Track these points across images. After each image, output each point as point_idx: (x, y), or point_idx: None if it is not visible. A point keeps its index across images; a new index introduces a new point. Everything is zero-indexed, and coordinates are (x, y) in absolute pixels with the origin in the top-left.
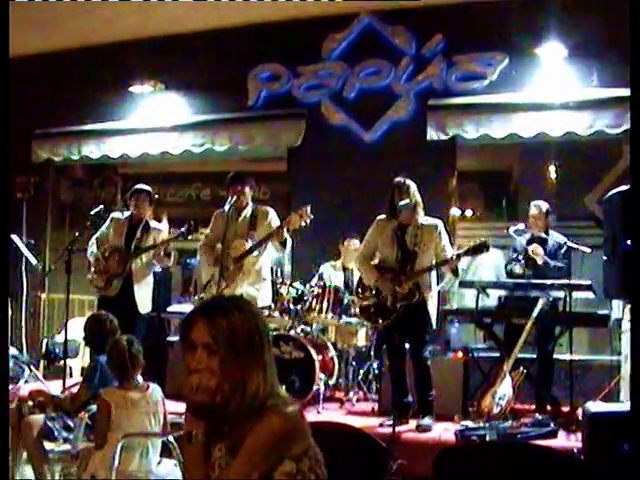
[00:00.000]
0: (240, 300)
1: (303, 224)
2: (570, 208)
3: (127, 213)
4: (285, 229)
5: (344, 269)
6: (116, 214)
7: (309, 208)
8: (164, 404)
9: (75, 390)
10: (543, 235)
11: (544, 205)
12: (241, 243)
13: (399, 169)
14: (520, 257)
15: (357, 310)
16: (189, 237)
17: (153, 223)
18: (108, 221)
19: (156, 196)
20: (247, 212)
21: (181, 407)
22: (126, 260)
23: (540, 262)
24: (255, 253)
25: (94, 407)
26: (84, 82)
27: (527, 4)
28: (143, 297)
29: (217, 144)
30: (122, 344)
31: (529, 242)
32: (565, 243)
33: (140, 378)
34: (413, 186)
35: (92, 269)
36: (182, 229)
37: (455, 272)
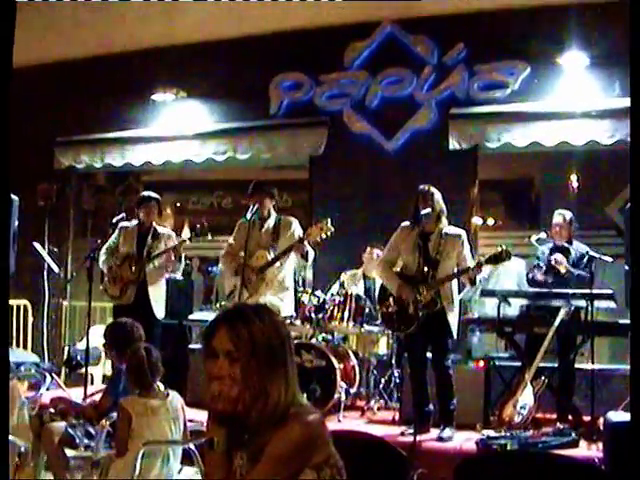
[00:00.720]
0: (262, 308)
1: (323, 236)
2: (592, 217)
3: (135, 222)
4: (306, 242)
5: (365, 278)
6: (124, 223)
7: (329, 221)
8: (184, 411)
9: (97, 398)
10: (565, 244)
11: (568, 214)
12: (263, 254)
13: (421, 178)
14: (542, 265)
15: (379, 318)
16: (199, 239)
17: (161, 229)
18: (117, 231)
19: (178, 204)
20: (270, 222)
21: (202, 415)
22: (140, 266)
23: (563, 271)
24: (277, 264)
25: (115, 415)
26: (106, 90)
27: (549, 13)
28: (158, 302)
29: (239, 152)
30: (141, 353)
31: (552, 251)
32: (587, 252)
33: (161, 386)
34: (437, 194)
35: (105, 278)
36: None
37: (473, 282)
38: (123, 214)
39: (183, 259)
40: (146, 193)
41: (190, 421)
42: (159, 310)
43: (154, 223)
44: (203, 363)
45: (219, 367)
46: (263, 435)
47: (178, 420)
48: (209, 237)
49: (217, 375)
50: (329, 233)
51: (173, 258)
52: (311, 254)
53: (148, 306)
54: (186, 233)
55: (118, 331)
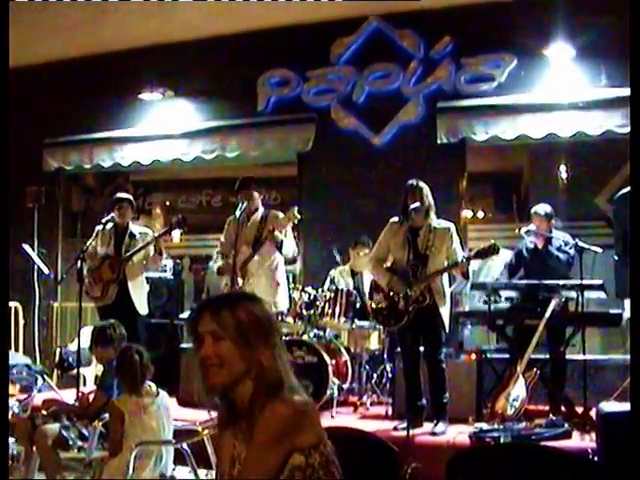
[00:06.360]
0: (245, 294)
1: (291, 224)
2: (581, 208)
3: (110, 224)
4: (277, 231)
5: (353, 274)
6: (100, 226)
7: (296, 209)
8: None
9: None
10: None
11: (542, 208)
12: (245, 249)
13: (409, 172)
14: (525, 254)
15: (370, 313)
16: (177, 231)
17: (136, 228)
18: (94, 235)
19: (167, 203)
20: (257, 217)
21: (194, 414)
22: (119, 265)
23: (540, 246)
24: (256, 258)
25: (107, 415)
26: (94, 90)
27: (534, 5)
28: (140, 299)
29: (227, 150)
30: (134, 357)
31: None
32: (576, 243)
33: (153, 385)
34: (426, 189)
35: (86, 281)
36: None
37: (466, 275)
38: (112, 214)
39: (164, 253)
40: (119, 194)
41: (182, 421)
42: (142, 307)
43: (130, 223)
44: (195, 354)
45: (205, 347)
46: (252, 418)
47: (169, 419)
48: (184, 230)
49: (204, 355)
50: (296, 221)
51: (152, 252)
52: (290, 248)
53: (130, 304)
54: (176, 233)
55: (100, 333)
